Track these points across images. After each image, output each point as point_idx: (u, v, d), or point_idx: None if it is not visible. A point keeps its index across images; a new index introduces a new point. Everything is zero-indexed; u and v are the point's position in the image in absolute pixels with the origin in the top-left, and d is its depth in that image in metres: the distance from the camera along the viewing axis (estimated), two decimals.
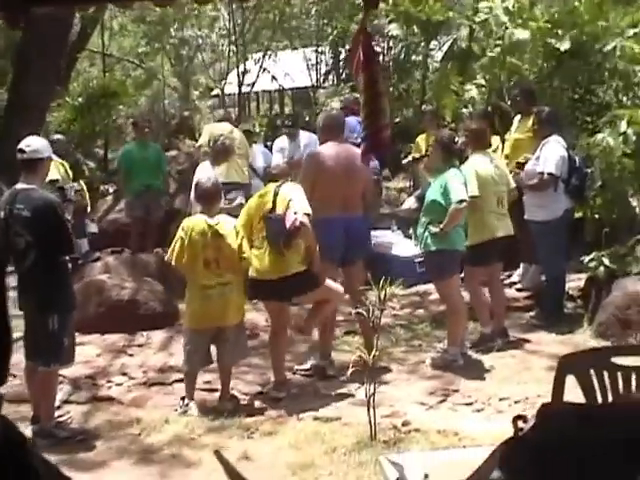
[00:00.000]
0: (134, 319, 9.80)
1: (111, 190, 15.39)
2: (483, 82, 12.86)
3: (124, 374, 8.43)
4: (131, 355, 9.08)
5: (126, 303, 9.93)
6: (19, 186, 6.74)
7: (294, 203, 7.34)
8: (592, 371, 4.02)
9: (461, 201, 7.96)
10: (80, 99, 18.68)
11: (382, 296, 6.52)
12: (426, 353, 8.68)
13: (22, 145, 6.80)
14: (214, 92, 24.18)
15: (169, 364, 8.54)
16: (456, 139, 8.45)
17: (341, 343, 8.76)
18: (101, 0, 5.25)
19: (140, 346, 9.38)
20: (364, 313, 6.68)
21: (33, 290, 6.67)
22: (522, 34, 11.46)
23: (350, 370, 6.59)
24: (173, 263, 7.35)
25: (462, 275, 8.82)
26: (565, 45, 11.21)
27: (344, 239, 7.92)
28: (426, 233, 8.20)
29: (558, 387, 3.89)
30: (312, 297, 7.80)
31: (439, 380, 7.98)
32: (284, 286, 7.43)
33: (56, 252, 6.65)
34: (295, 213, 7.24)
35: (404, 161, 13.45)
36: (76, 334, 9.21)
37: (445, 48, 18.81)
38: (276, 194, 7.45)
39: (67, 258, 6.88)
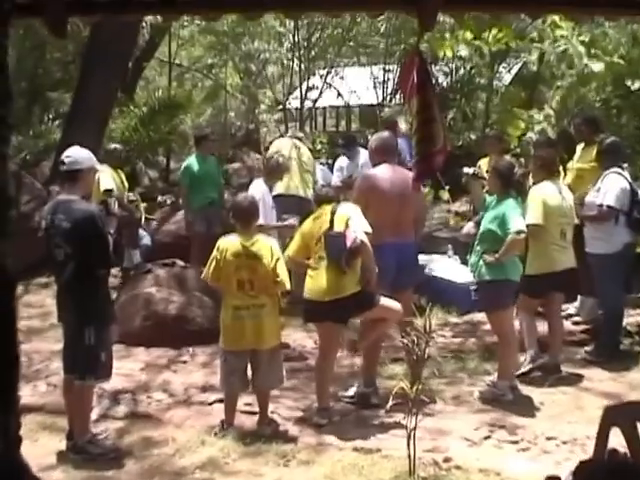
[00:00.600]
0: (180, 334, 9.72)
1: (169, 201, 15.33)
2: (551, 111, 12.67)
3: (165, 391, 8.33)
4: (174, 371, 8.98)
5: (173, 318, 9.87)
6: (61, 197, 6.73)
7: (353, 222, 7.20)
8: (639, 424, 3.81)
9: (519, 232, 7.76)
10: (144, 108, 18.69)
11: (428, 326, 6.30)
12: (474, 386, 8.44)
13: (63, 156, 6.79)
14: (281, 107, 24.11)
15: (211, 383, 8.39)
16: (515, 169, 8.21)
17: (388, 370, 8.55)
18: (140, 11, 5.14)
19: (184, 362, 9.28)
20: (409, 343, 6.47)
21: (70, 302, 6.63)
22: (597, 67, 11.31)
23: (391, 403, 6.39)
24: (209, 282, 7.24)
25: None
26: (637, 85, 11.03)
27: (395, 265, 7.71)
28: (480, 262, 8.00)
29: (601, 439, 3.69)
30: (369, 315, 7.61)
31: (486, 415, 7.74)
32: (341, 307, 7.26)
33: (94, 265, 6.58)
34: (354, 232, 7.09)
35: (463, 178, 13.24)
36: (121, 346, 9.34)
37: (514, 71, 18.61)
38: (333, 213, 7.31)
39: (105, 270, 6.80)
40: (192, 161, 12.46)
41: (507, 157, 10.50)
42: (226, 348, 7.18)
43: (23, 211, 13.04)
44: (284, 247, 8.31)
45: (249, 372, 7.23)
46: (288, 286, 7.05)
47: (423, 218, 8.76)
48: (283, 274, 6.97)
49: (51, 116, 20.18)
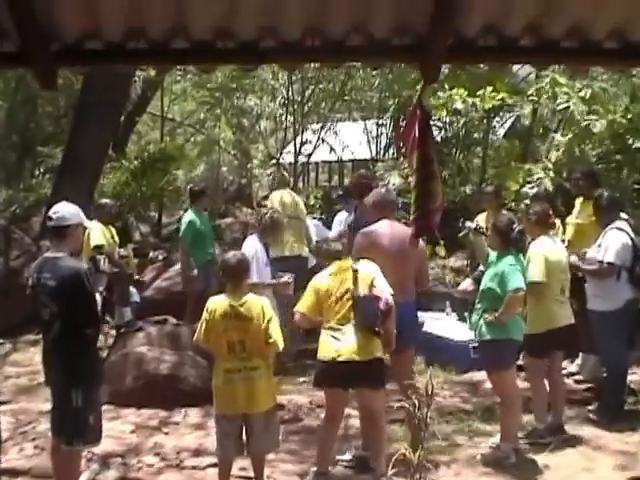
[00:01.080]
0: (172, 394, 9.45)
1: (161, 257, 15.15)
2: (550, 164, 12.60)
3: (156, 454, 8.04)
4: (166, 433, 8.70)
5: (164, 377, 9.61)
6: (48, 254, 6.53)
7: (379, 282, 6.98)
8: None
9: (517, 289, 7.57)
10: (136, 162, 18.59)
11: (430, 389, 6.07)
12: (477, 448, 8.17)
13: (50, 212, 6.60)
14: (273, 161, 24.04)
15: (205, 445, 8.14)
16: (514, 225, 8.03)
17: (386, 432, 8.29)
18: (132, 61, 5.00)
19: (177, 424, 9.01)
20: (410, 407, 6.23)
21: (57, 363, 6.39)
22: (598, 125, 11.26)
23: (391, 471, 6.12)
24: (201, 345, 6.97)
25: (519, 363, 8.38)
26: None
27: (396, 326, 7.27)
28: (481, 321, 7.80)
29: None
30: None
31: (489, 479, 7.47)
32: (369, 369, 6.95)
33: (81, 324, 6.33)
34: (383, 292, 6.88)
35: (465, 232, 13.11)
36: (111, 407, 9.08)
37: (507, 125, 18.55)
38: (356, 272, 7.03)
39: (93, 330, 6.56)
40: (193, 216, 12.11)
41: (505, 212, 10.34)
42: (218, 412, 6.89)
43: (12, 266, 12.88)
44: (289, 304, 8.11)
45: (244, 435, 6.94)
46: (281, 347, 6.73)
47: (426, 274, 8.47)
48: (276, 334, 6.64)
49: (42, 170, 20.05)
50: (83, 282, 6.31)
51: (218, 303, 6.78)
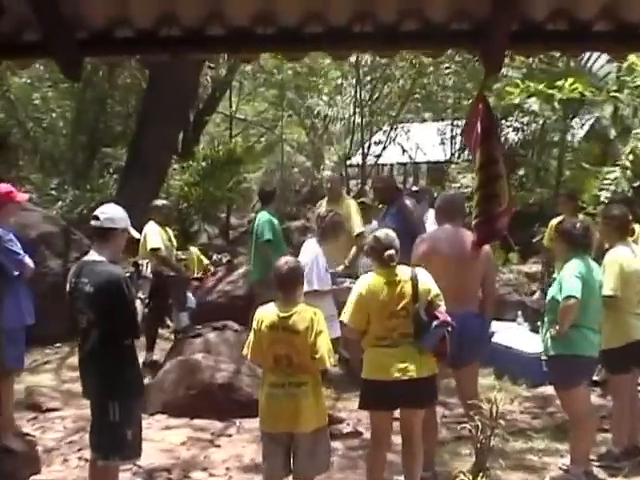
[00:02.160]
0: (227, 405, 9.04)
1: (224, 260, 14.84)
2: (628, 163, 12.00)
3: (204, 469, 7.65)
4: (218, 446, 8.29)
5: (219, 386, 9.17)
6: (87, 257, 6.16)
7: (439, 299, 6.47)
8: None
9: (568, 297, 6.98)
10: (204, 163, 18.38)
11: (495, 411, 5.58)
12: (545, 470, 7.61)
13: (97, 212, 6.20)
14: (348, 162, 23.73)
15: (257, 460, 7.68)
16: (579, 226, 7.43)
17: (449, 452, 7.80)
18: (166, 50, 4.62)
19: (229, 436, 8.60)
20: (473, 429, 5.74)
21: (93, 374, 6.08)
22: None
23: None
24: (249, 358, 6.43)
25: (594, 378, 7.83)
26: None
27: (456, 339, 6.63)
28: (547, 334, 7.27)
29: None
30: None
31: None
32: (424, 387, 6.45)
33: (118, 333, 6.00)
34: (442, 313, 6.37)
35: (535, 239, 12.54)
36: (163, 417, 8.76)
37: (586, 127, 17.93)
38: (415, 284, 6.46)
39: (131, 340, 6.19)
40: (269, 217, 11.30)
41: (581, 217, 9.78)
42: (262, 429, 6.44)
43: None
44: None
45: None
46: (328, 364, 6.19)
47: (492, 282, 7.86)
48: (323, 350, 6.09)
49: (111, 171, 19.93)
50: (122, 289, 5.93)
51: (266, 314, 6.28)
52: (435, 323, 6.32)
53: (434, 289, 6.48)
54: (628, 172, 12.05)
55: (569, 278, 7.07)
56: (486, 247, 7.29)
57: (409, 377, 6.34)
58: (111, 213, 6.20)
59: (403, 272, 6.52)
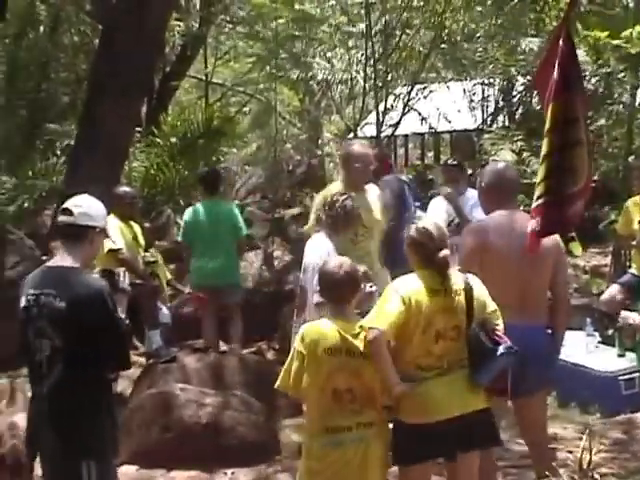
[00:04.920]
0: (214, 451, 8.68)
1: None
2: None
3: None
4: None
5: (203, 427, 8.83)
6: (52, 263, 5.69)
7: (495, 312, 6.03)
8: None
9: None
10: (174, 139, 18.11)
11: (586, 463, 5.07)
12: None
13: (69, 204, 5.72)
14: (351, 135, 23.32)
15: None
16: None
17: None
18: None
19: None
20: None
21: (58, 424, 5.45)
22: None
23: None
24: (291, 394, 6.01)
25: None
26: None
27: (519, 359, 6.09)
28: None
29: None
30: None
31: None
32: (481, 424, 5.94)
33: (101, 365, 5.50)
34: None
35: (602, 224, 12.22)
36: (132, 469, 8.36)
37: None
38: (470, 297, 5.95)
39: (114, 375, 5.72)
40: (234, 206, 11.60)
41: None
42: None
43: (8, 277, 12.16)
44: None
45: None
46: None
47: (564, 282, 7.33)
48: (394, 378, 5.70)
49: (57, 151, 19.55)
50: (107, 306, 5.45)
51: (322, 332, 5.80)
52: (501, 350, 5.79)
53: (490, 303, 6.03)
54: None
55: None
56: (555, 237, 6.72)
57: (467, 412, 5.85)
58: (87, 206, 5.77)
59: (457, 279, 5.98)
